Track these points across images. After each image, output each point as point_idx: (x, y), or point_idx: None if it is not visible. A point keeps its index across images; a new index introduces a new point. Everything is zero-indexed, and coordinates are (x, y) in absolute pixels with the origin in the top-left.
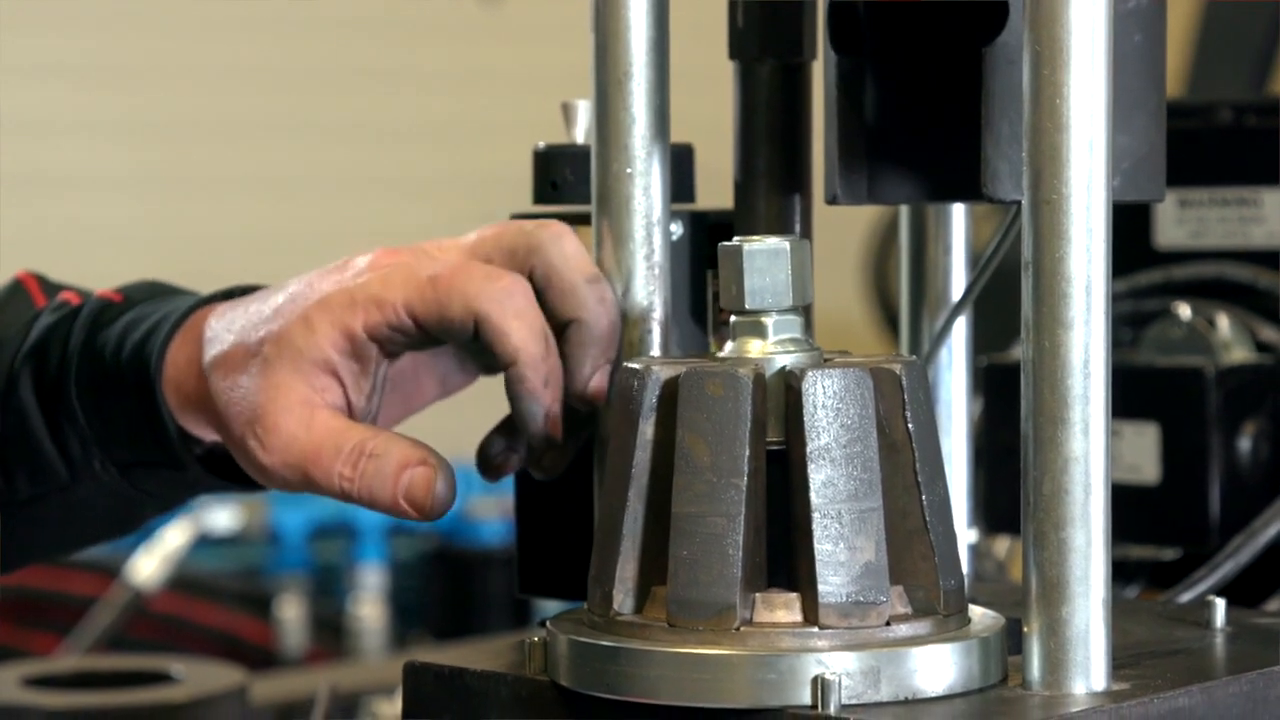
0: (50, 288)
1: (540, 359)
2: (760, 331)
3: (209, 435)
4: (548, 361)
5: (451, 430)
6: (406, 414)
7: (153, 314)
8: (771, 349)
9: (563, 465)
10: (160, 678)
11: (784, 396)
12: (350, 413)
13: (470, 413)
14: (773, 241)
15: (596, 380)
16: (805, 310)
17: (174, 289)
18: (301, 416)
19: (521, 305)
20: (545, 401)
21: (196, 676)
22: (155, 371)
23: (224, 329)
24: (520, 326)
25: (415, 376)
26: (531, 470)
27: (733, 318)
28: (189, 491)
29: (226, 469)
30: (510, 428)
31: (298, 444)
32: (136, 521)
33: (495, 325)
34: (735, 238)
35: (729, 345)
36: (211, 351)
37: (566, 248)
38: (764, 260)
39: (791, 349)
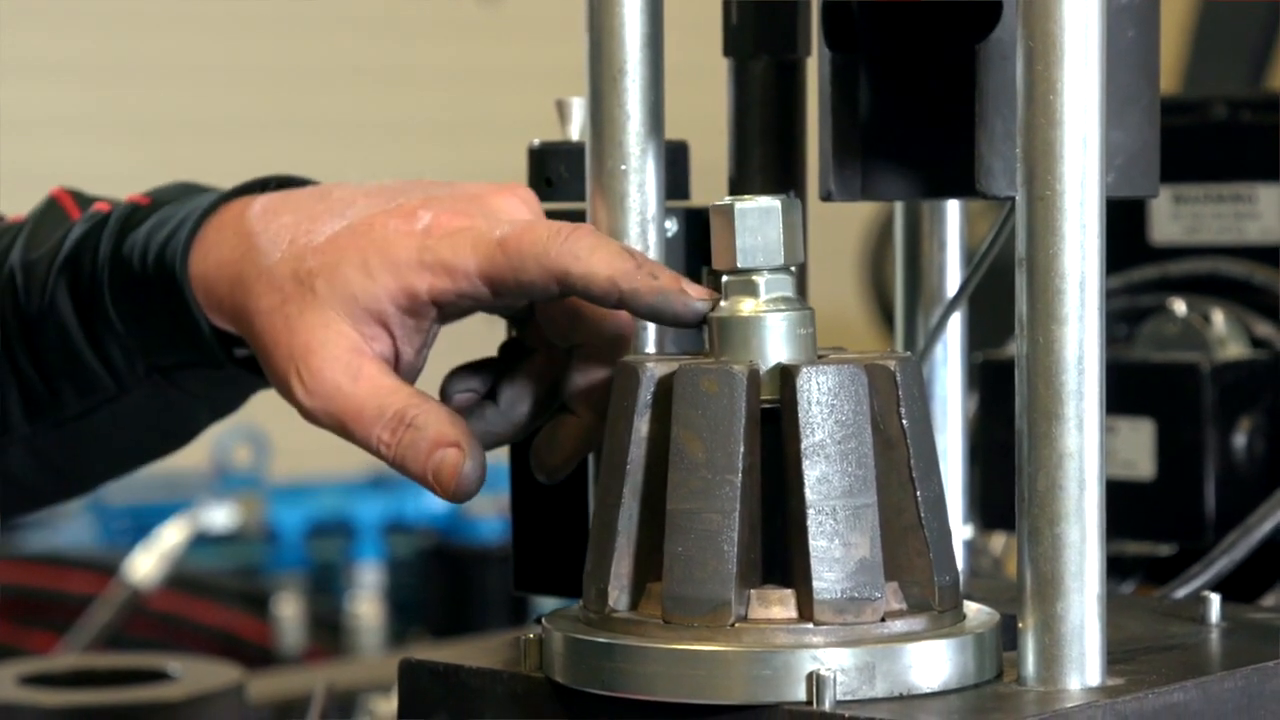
0: (84, 200)
1: (634, 267)
2: (752, 290)
3: (243, 346)
4: (643, 264)
5: None
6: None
7: (178, 213)
8: (763, 308)
9: (572, 464)
10: (158, 676)
11: (779, 392)
12: (397, 365)
13: None
14: (764, 200)
15: (692, 290)
16: (796, 270)
17: (203, 188)
18: (349, 366)
19: (591, 241)
20: (670, 285)
21: (194, 674)
22: (180, 271)
23: (269, 241)
24: (600, 258)
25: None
26: (537, 473)
27: (724, 277)
28: (236, 390)
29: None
30: (477, 369)
31: (341, 395)
32: (192, 429)
33: (579, 274)
34: (726, 196)
35: (722, 304)
36: (253, 262)
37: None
38: (755, 219)
39: (783, 307)
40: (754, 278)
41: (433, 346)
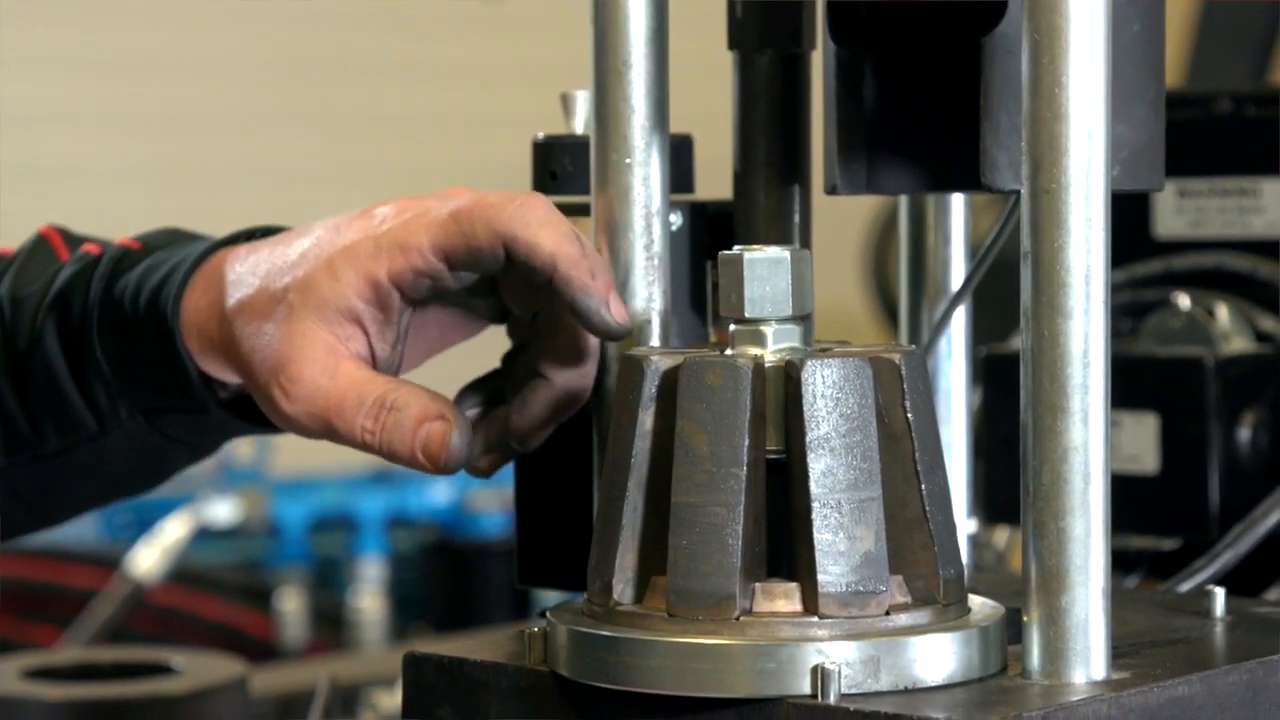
0: (73, 240)
1: (579, 256)
2: (759, 340)
3: (232, 379)
4: (588, 257)
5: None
6: (428, 358)
7: (170, 259)
8: (770, 358)
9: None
10: (160, 669)
11: (783, 388)
12: (374, 361)
13: None
14: (773, 251)
15: (615, 308)
16: (805, 320)
17: (193, 235)
18: (326, 366)
19: (543, 214)
20: (600, 291)
21: (197, 668)
22: (173, 316)
23: (247, 273)
24: (548, 233)
25: (437, 322)
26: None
27: (732, 325)
28: (216, 436)
29: (251, 412)
30: (482, 383)
31: (321, 394)
32: (168, 471)
33: (524, 241)
34: (735, 246)
35: (728, 353)
36: (235, 296)
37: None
38: (764, 269)
39: (789, 358)
40: (762, 328)
41: (406, 340)
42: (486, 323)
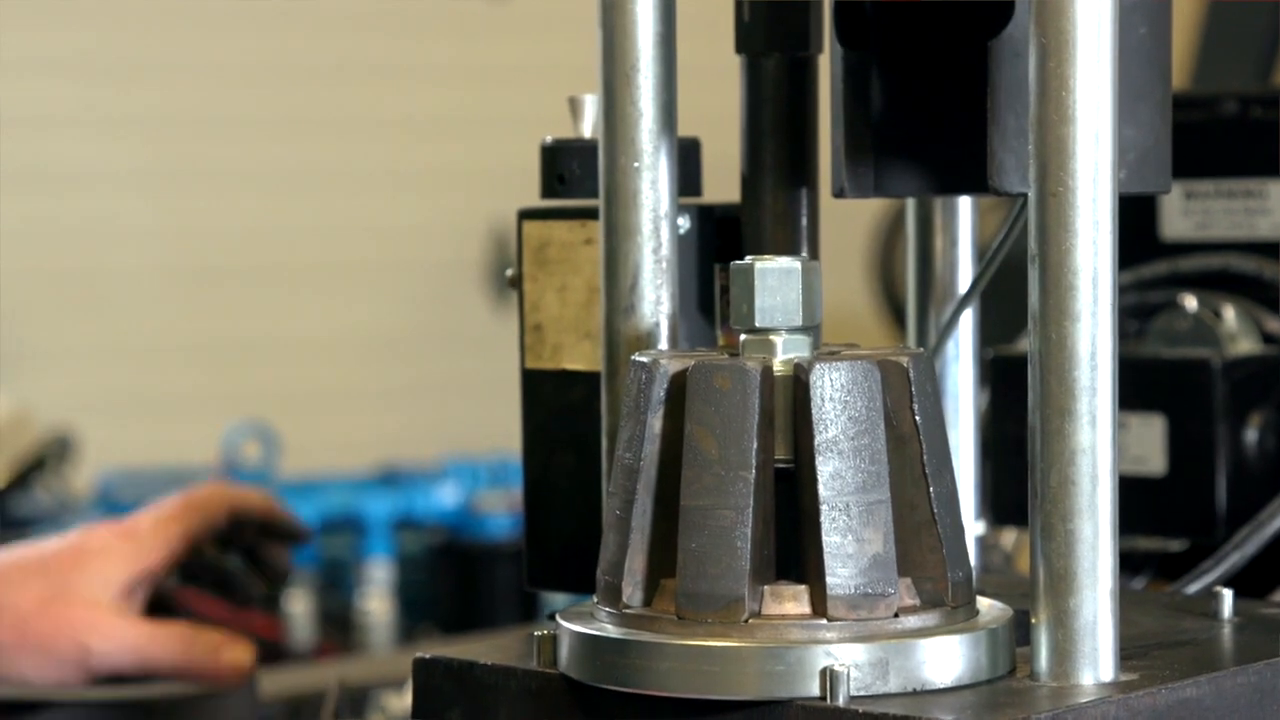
0: None
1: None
2: (769, 350)
3: None
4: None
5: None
6: None
7: None
8: (779, 368)
9: None
10: None
11: (792, 392)
12: None
13: (480, 410)
14: (784, 261)
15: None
16: (814, 330)
17: None
18: None
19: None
20: None
21: None
22: None
23: None
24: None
25: None
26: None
27: (742, 335)
28: None
29: None
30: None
31: None
32: None
33: None
34: (747, 256)
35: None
36: None
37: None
38: (775, 279)
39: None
40: (771, 337)
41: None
42: None
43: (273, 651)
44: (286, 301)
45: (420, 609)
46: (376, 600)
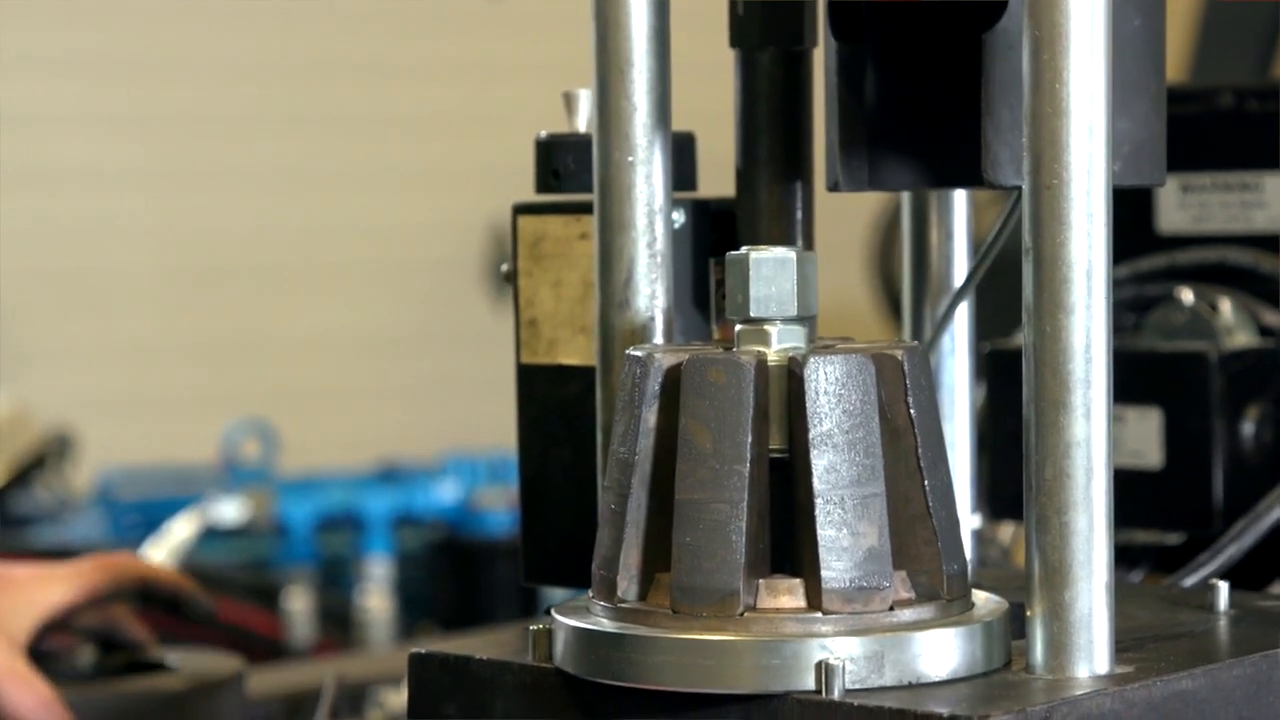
0: None
1: None
2: (764, 340)
3: None
4: None
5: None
6: None
7: None
8: (774, 358)
9: None
10: (157, 667)
11: (786, 385)
12: None
13: (479, 406)
14: (779, 251)
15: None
16: (809, 320)
17: None
18: None
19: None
20: None
21: (193, 665)
22: None
23: None
24: None
25: None
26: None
27: (737, 326)
28: None
29: None
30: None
31: None
32: None
33: None
34: (741, 246)
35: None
36: None
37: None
38: (770, 269)
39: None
40: (766, 327)
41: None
42: None
43: (272, 648)
44: (286, 300)
45: (420, 606)
46: (376, 597)
